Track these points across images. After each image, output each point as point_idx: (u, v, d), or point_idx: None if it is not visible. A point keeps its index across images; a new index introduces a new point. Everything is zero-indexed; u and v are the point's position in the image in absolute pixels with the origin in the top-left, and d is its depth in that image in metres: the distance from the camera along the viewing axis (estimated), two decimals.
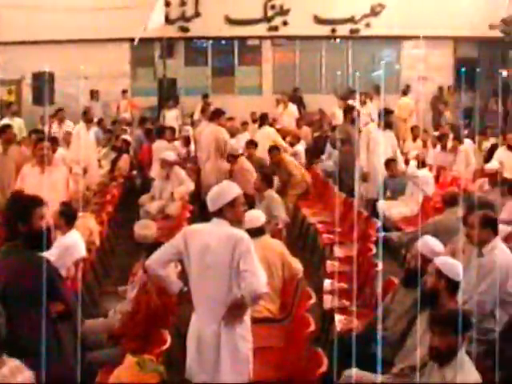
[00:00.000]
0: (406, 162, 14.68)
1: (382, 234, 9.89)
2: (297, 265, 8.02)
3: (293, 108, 20.52)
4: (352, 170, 13.21)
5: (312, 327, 6.37)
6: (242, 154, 13.56)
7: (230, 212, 5.82)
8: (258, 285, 5.61)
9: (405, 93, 22.14)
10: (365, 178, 12.96)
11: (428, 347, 5.27)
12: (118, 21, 21.99)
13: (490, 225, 7.34)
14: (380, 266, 8.02)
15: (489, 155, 14.49)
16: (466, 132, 18.40)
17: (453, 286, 6.02)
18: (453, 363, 5.15)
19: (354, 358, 5.80)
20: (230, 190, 5.94)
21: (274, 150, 13.69)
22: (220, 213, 5.82)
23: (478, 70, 22.54)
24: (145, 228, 8.61)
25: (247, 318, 5.88)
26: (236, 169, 12.99)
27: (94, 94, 22.58)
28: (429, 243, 6.75)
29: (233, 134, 16.88)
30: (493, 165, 12.03)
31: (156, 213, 12.32)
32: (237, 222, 5.91)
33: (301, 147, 16.82)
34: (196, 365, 5.85)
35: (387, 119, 13.15)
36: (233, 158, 13.16)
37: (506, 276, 7.06)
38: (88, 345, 6.57)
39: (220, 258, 5.67)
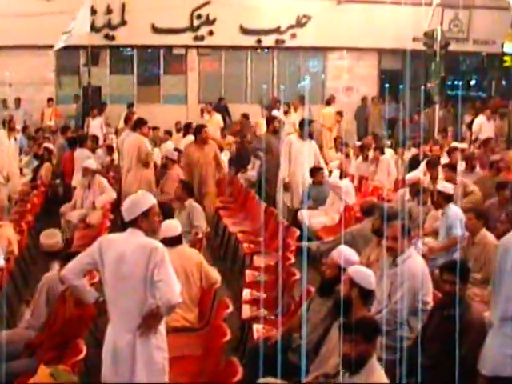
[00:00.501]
0: (330, 172, 14.83)
1: (302, 243, 9.96)
2: (214, 274, 8.04)
3: (218, 117, 20.59)
4: (274, 180, 13.29)
5: (228, 336, 6.39)
6: (175, 161, 13.48)
7: (145, 222, 5.81)
8: (173, 295, 5.61)
9: (329, 103, 22.34)
10: (286, 187, 13.06)
11: (340, 355, 5.35)
12: (42, 27, 21.64)
13: (406, 235, 7.48)
14: (298, 275, 8.09)
15: (410, 165, 14.72)
16: (388, 142, 18.68)
17: (365, 294, 6.12)
18: (363, 371, 5.23)
19: (271, 366, 5.86)
20: (145, 200, 5.92)
21: None
22: (135, 223, 5.80)
23: (401, 81, 22.89)
24: (50, 237, 8.61)
25: (162, 328, 5.87)
26: (170, 174, 12.96)
27: (16, 102, 22.28)
28: (343, 252, 6.84)
29: (156, 144, 16.88)
30: (414, 175, 12.20)
31: (77, 221, 12.23)
32: (152, 231, 5.91)
33: (224, 157, 16.85)
34: (111, 375, 5.81)
35: (309, 129, 13.28)
36: (170, 162, 13.10)
37: (421, 285, 7.19)
38: (5, 355, 6.48)
39: (134, 268, 5.66)
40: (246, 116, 21.26)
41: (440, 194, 10.48)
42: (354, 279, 6.10)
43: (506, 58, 26.97)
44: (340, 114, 21.50)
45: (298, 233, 10.38)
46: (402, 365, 6.37)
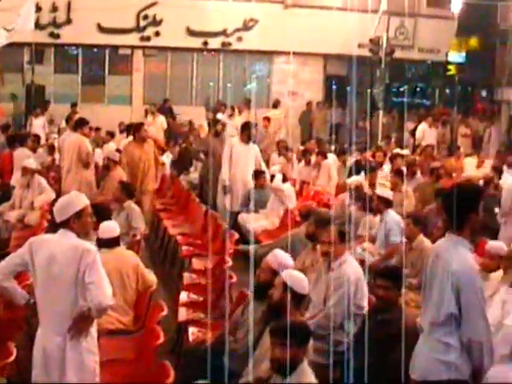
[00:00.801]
0: (272, 176, 14.83)
1: (240, 246, 9.96)
2: (151, 277, 8.00)
3: (161, 119, 20.51)
4: (215, 183, 13.27)
5: (161, 339, 6.35)
6: (117, 163, 13.36)
7: (77, 223, 5.74)
8: (104, 297, 5.55)
9: (275, 106, 22.39)
10: (227, 190, 13.05)
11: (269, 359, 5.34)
12: None
13: (343, 239, 7.51)
14: (235, 279, 8.09)
15: (352, 171, 14.77)
16: (332, 147, 18.76)
17: (298, 299, 6.11)
18: (294, 375, 5.23)
19: (205, 369, 5.83)
20: (78, 200, 5.86)
21: None
22: (67, 224, 5.73)
23: (346, 87, 23.05)
24: None
25: (94, 331, 5.80)
26: (112, 175, 12.87)
27: None
28: (278, 256, 6.83)
29: (98, 145, 16.74)
30: (354, 180, 12.26)
31: (15, 221, 12.05)
32: (84, 233, 5.84)
33: (166, 159, 16.79)
34: (42, 378, 5.74)
35: (251, 132, 13.29)
36: (112, 163, 13.03)
37: (356, 289, 7.22)
38: None
39: (65, 269, 5.58)
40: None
41: (380, 199, 10.54)
42: (286, 283, 6.09)
43: (450, 66, 27.32)
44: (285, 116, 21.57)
45: (237, 236, 10.37)
46: (336, 369, 6.41)
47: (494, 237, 10.26)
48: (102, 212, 8.29)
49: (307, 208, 10.10)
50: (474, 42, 29.13)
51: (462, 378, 5.25)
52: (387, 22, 24.32)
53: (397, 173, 12.67)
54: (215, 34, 24.45)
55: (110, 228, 8.02)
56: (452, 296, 5.18)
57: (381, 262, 9.21)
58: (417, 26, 25.98)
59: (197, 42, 24.46)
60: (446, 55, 26.58)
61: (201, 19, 23.82)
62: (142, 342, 7.04)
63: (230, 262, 8.73)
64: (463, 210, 5.20)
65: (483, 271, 7.89)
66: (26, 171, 12.49)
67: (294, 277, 6.21)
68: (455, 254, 5.24)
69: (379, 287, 6.56)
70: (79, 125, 12.98)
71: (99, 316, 5.79)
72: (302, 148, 17.99)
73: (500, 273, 7.74)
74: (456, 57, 28.08)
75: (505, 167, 14.76)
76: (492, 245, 8.28)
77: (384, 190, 10.92)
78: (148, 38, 24.13)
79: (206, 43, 24.51)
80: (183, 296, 8.69)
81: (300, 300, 6.15)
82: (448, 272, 5.20)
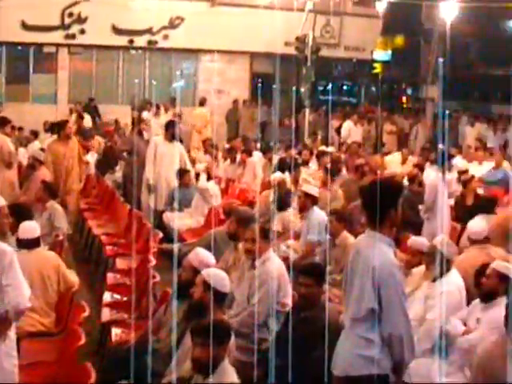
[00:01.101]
0: (197, 174, 14.80)
1: (163, 245, 9.91)
2: (72, 277, 7.89)
3: (86, 118, 20.29)
4: (139, 182, 13.17)
5: (83, 340, 6.26)
6: (41, 162, 13.14)
7: None
8: (22, 299, 5.46)
9: (201, 104, 22.35)
10: (151, 189, 12.95)
11: (191, 359, 5.32)
12: None
13: (266, 237, 7.51)
14: (159, 278, 8.04)
15: (278, 168, 14.81)
16: (258, 145, 18.78)
17: (220, 297, 6.09)
18: (215, 374, 5.20)
19: (128, 370, 5.77)
20: None
21: None
22: None
23: (273, 85, 23.10)
24: None
25: (12, 334, 5.69)
26: (37, 175, 12.66)
27: None
28: (199, 255, 6.80)
29: (22, 144, 16.48)
30: (277, 176, 12.29)
31: None
32: (0, 234, 5.73)
33: (91, 158, 16.62)
34: None
35: (176, 131, 13.23)
36: (37, 162, 12.79)
37: (279, 286, 7.23)
38: None
39: None
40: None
41: (306, 196, 10.56)
42: (207, 282, 6.06)
43: (375, 64, 27.66)
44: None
45: (161, 235, 10.31)
46: (260, 367, 6.41)
47: (419, 233, 10.39)
48: (22, 212, 8.15)
49: (230, 206, 10.09)
50: (399, 40, 29.61)
51: (383, 373, 5.28)
52: (313, 20, 24.43)
53: (325, 170, 12.73)
54: (141, 32, 24.29)
55: (30, 228, 7.87)
56: (372, 291, 5.20)
57: (300, 260, 9.26)
58: (343, 25, 26.16)
59: (123, 40, 24.26)
60: (372, 53, 26.87)
61: (127, 17, 23.69)
62: (63, 343, 6.94)
63: (153, 262, 8.66)
64: (382, 206, 5.21)
65: (406, 267, 8.00)
66: None
67: (215, 275, 6.18)
68: (375, 250, 5.26)
69: (301, 285, 6.57)
70: (1, 124, 12.76)
71: (17, 318, 5.68)
72: (227, 146, 17.97)
73: (422, 268, 7.82)
74: (382, 55, 28.50)
75: (428, 164, 14.94)
76: (414, 240, 8.37)
77: (310, 187, 10.95)
78: (73, 36, 23.85)
79: (131, 41, 24.32)
80: (107, 296, 8.61)
81: (221, 298, 6.13)
82: (368, 268, 5.22)
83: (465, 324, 7.02)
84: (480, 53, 32.47)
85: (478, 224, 8.88)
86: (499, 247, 8.48)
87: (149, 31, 24.28)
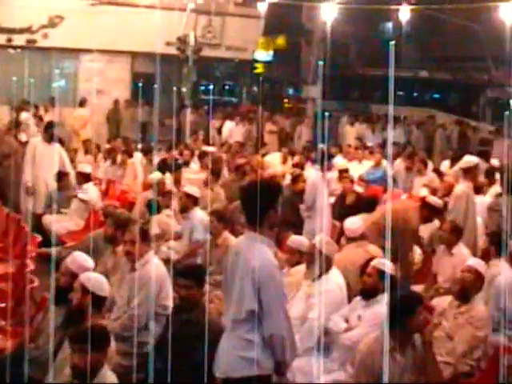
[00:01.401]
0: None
1: (43, 249, 9.71)
2: None
3: None
4: (17, 184, 12.85)
5: None
6: None
7: None
8: None
9: (82, 104, 22.03)
10: (30, 192, 12.67)
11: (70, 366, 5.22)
12: None
13: (145, 239, 7.45)
14: (37, 283, 7.87)
15: (159, 169, 14.72)
16: (139, 146, 18.61)
17: (98, 301, 6.01)
18: (95, 380, 5.13)
19: (5, 379, 5.64)
20: None
21: None
22: None
23: (154, 84, 22.98)
24: None
25: None
26: None
27: None
28: (76, 259, 6.70)
29: None
30: (155, 176, 12.24)
31: None
32: None
33: None
34: None
35: (53, 132, 12.98)
36: None
37: (159, 289, 7.17)
38: None
39: None
40: None
41: (188, 196, 10.57)
42: (85, 286, 5.97)
43: (257, 64, 27.83)
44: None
45: (40, 238, 10.10)
46: (141, 371, 6.35)
47: (299, 232, 10.49)
48: None
49: (106, 209, 10.00)
50: (280, 41, 29.86)
51: (264, 373, 5.30)
52: (195, 20, 24.42)
53: (206, 170, 12.73)
54: (20, 31, 23.72)
55: None
56: (252, 292, 5.20)
57: (184, 260, 9.24)
58: (225, 25, 26.24)
59: (1, 39, 23.66)
60: (253, 53, 27.04)
61: (4, 15, 23.07)
62: None
63: (31, 266, 8.47)
64: (261, 207, 5.22)
65: (286, 266, 8.07)
66: None
67: (93, 279, 6.10)
68: (254, 251, 5.27)
69: (181, 287, 6.53)
70: None
71: None
72: (108, 147, 17.75)
73: (302, 267, 7.89)
74: (263, 55, 28.68)
75: (309, 163, 15.11)
76: (293, 239, 8.44)
77: (191, 188, 10.94)
78: None
79: (10, 40, 23.74)
80: None
81: (100, 302, 6.05)
82: (248, 269, 5.23)
83: (346, 321, 7.12)
84: (359, 54, 33.12)
85: (353, 222, 9.05)
86: (374, 244, 8.66)
87: (28, 30, 23.75)
